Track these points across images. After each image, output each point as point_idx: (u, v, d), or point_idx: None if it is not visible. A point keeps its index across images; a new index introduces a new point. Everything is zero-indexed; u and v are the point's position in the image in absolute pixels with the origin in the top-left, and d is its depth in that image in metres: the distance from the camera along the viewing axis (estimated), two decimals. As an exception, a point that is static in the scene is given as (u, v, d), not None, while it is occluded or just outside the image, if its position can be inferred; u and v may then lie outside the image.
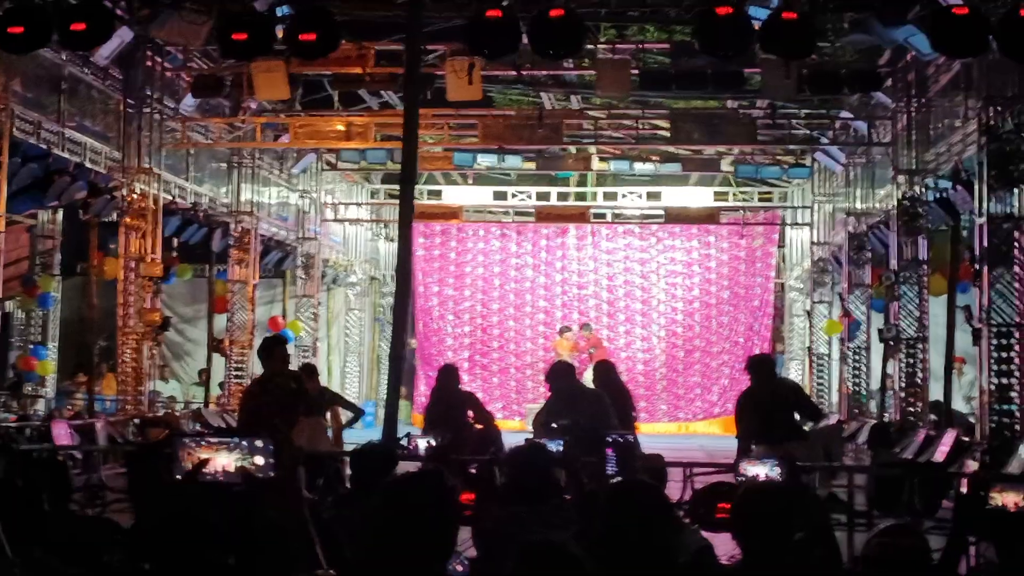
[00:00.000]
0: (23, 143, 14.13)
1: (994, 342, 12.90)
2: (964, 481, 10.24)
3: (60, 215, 18.21)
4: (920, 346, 16.29)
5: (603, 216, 25.60)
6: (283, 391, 11.01)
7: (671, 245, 25.89)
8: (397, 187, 14.46)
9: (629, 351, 25.56)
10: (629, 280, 25.97)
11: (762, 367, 11.21)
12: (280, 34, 12.74)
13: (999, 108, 13.10)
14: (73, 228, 18.31)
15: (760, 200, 25.80)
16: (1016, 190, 12.89)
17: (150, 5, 14.01)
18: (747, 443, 10.44)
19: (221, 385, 20.36)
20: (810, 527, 4.91)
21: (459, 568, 5.12)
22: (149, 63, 16.83)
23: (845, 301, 20.29)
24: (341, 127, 18.97)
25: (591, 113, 20.39)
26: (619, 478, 7.48)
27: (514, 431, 18.94)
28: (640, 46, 17.46)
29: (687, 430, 24.75)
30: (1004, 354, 12.88)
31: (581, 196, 25.03)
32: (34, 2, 11.81)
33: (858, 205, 20.21)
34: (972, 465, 12.15)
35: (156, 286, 17.03)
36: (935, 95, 16.20)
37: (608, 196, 24.88)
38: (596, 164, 22.45)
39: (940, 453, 13.07)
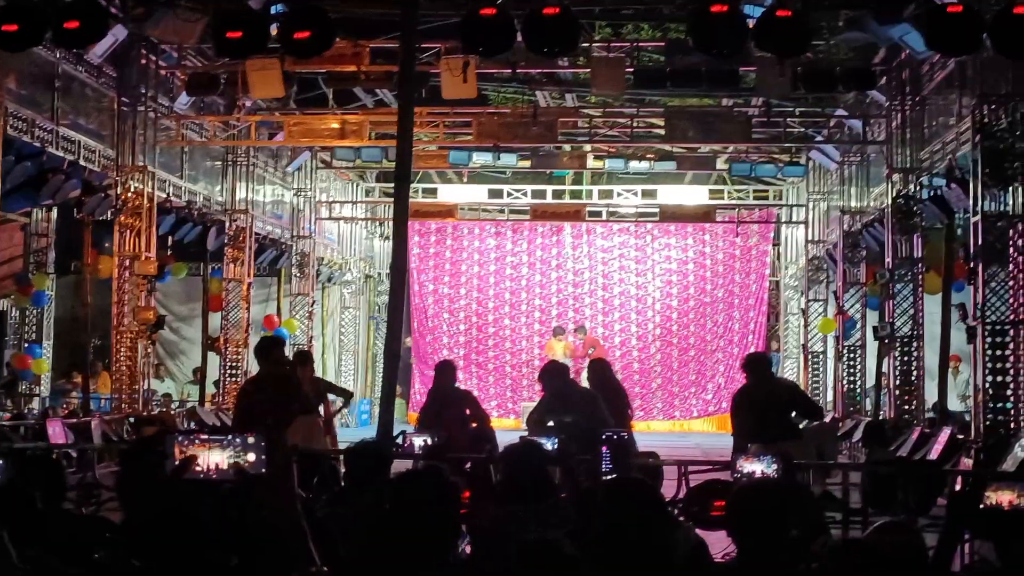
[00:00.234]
0: (17, 141, 14.09)
1: (989, 340, 12.91)
2: (959, 479, 10.26)
3: (54, 213, 18.17)
4: (915, 344, 16.31)
5: (598, 214, 25.61)
6: (276, 390, 11.02)
7: (666, 243, 25.91)
8: (392, 185, 14.49)
9: (624, 349, 25.56)
10: (624, 278, 25.98)
11: (758, 365, 11.21)
12: (274, 32, 12.71)
13: (993, 106, 13.11)
14: (67, 226, 18.28)
15: (755, 198, 25.82)
16: (1010, 188, 12.90)
17: (144, 3, 13.98)
18: (743, 441, 10.44)
19: (216, 383, 20.35)
20: (805, 525, 4.90)
21: (468, 550, 5.11)
22: (143, 61, 16.81)
23: (840, 299, 20.30)
24: (336, 125, 18.95)
25: (586, 111, 20.39)
26: (614, 475, 7.49)
27: (509, 429, 18.93)
28: (635, 44, 17.46)
29: (682, 428, 24.76)
30: (999, 352, 12.89)
31: (576, 194, 25.05)
32: (28, 0, 11.78)
33: (853, 203, 20.22)
34: (967, 463, 12.17)
35: (151, 284, 17.01)
36: (929, 93, 16.21)
37: (603, 194, 24.90)
38: (591, 162, 22.46)
39: (935, 451, 13.08)
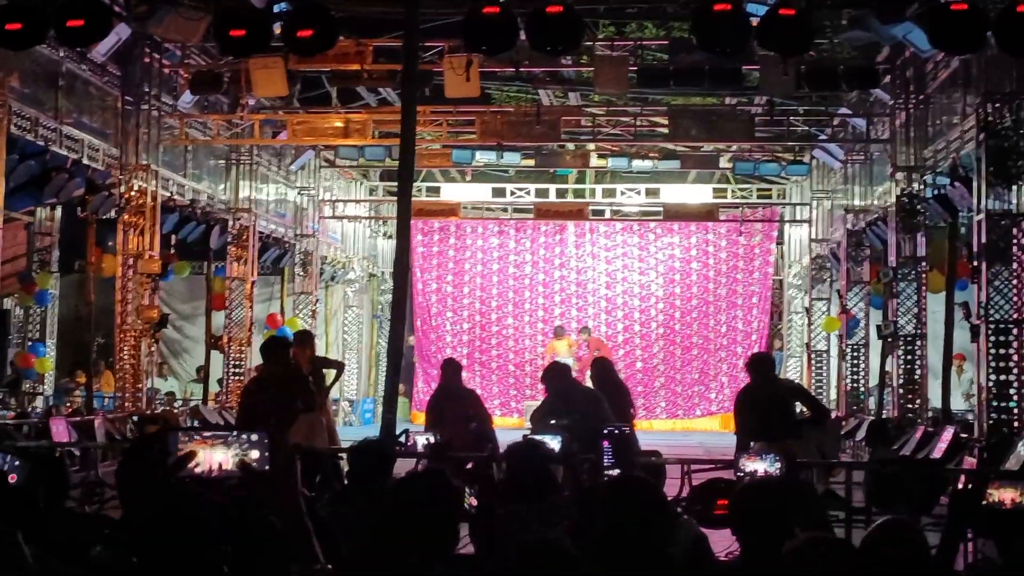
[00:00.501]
0: (20, 140, 14.10)
1: (992, 339, 12.89)
2: (962, 478, 10.25)
3: (58, 212, 18.20)
4: (918, 343, 16.30)
5: (602, 213, 25.60)
6: (279, 390, 11.04)
7: (669, 242, 25.89)
8: (395, 184, 14.46)
9: (627, 348, 25.56)
10: (627, 277, 25.97)
11: (761, 365, 11.20)
12: (278, 31, 12.72)
13: (997, 104, 13.08)
14: (71, 225, 18.29)
15: (759, 197, 25.81)
16: (1014, 186, 12.88)
17: (148, 1, 14.00)
18: (746, 440, 10.44)
19: (220, 382, 20.36)
20: (808, 523, 4.90)
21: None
22: (147, 59, 16.81)
23: (843, 298, 20.30)
24: (339, 124, 18.96)
25: (589, 110, 20.39)
26: (617, 470, 7.49)
27: (512, 428, 18.95)
28: (638, 42, 17.46)
29: (685, 427, 24.75)
30: (1002, 351, 12.88)
31: (580, 193, 25.05)
32: (31, -2, 11.79)
33: (856, 202, 20.21)
34: (970, 462, 12.15)
35: (154, 283, 17.02)
36: (933, 91, 16.19)
37: (607, 193, 24.90)
38: (594, 161, 22.46)
39: (938, 450, 13.07)
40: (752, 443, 10.09)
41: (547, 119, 18.59)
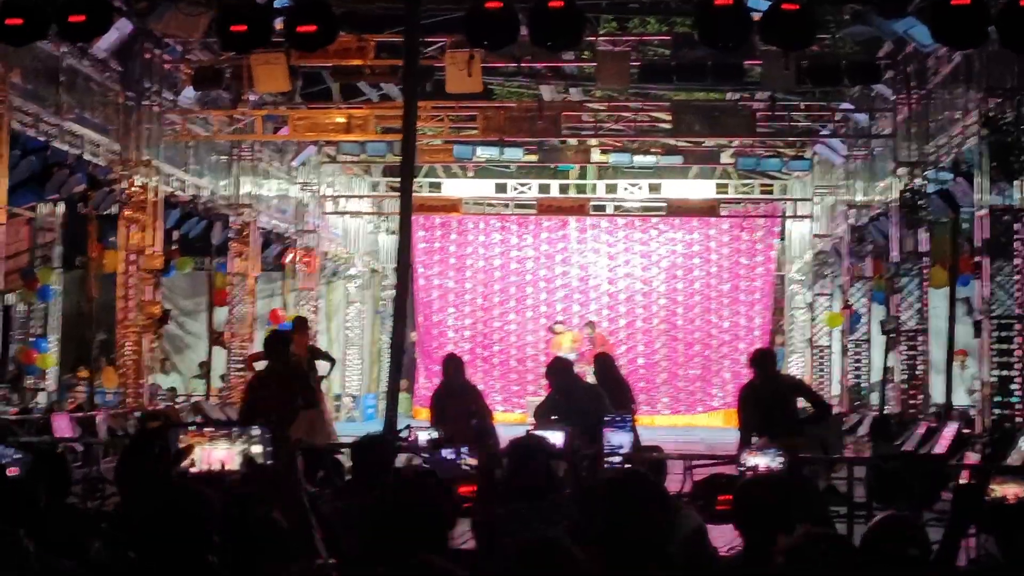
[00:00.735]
0: (22, 135, 14.11)
1: (995, 334, 12.90)
2: (964, 473, 10.25)
3: (60, 208, 18.19)
4: (921, 338, 16.29)
5: (603, 208, 25.56)
6: (280, 387, 11.05)
7: (671, 237, 25.88)
8: (397, 180, 14.46)
9: (630, 343, 25.55)
10: (630, 273, 25.96)
11: (763, 361, 11.20)
12: (279, 26, 12.71)
13: (999, 99, 13.09)
14: (73, 221, 18.29)
15: (761, 192, 25.79)
16: (1016, 181, 12.88)
17: (149, -3, 14.00)
18: (748, 435, 10.44)
19: (222, 378, 20.37)
20: (810, 519, 4.90)
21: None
22: (148, 55, 16.80)
23: (846, 293, 20.29)
24: (341, 119, 18.94)
25: (591, 105, 20.38)
26: (623, 452, 7.48)
27: (514, 424, 18.94)
28: (640, 38, 17.46)
29: (687, 423, 24.73)
30: (1005, 346, 12.87)
31: (582, 188, 25.04)
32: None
33: (858, 197, 20.19)
34: (973, 457, 12.15)
35: (156, 279, 17.03)
36: (935, 87, 16.17)
37: (609, 188, 24.88)
38: (596, 156, 22.43)
39: (941, 445, 13.07)
40: (754, 439, 10.11)
41: (549, 115, 18.57)
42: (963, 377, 18.32)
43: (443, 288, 26.30)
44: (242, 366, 19.73)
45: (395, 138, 18.83)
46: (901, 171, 16.61)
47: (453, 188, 25.10)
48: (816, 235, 23.40)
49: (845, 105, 19.82)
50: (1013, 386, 12.81)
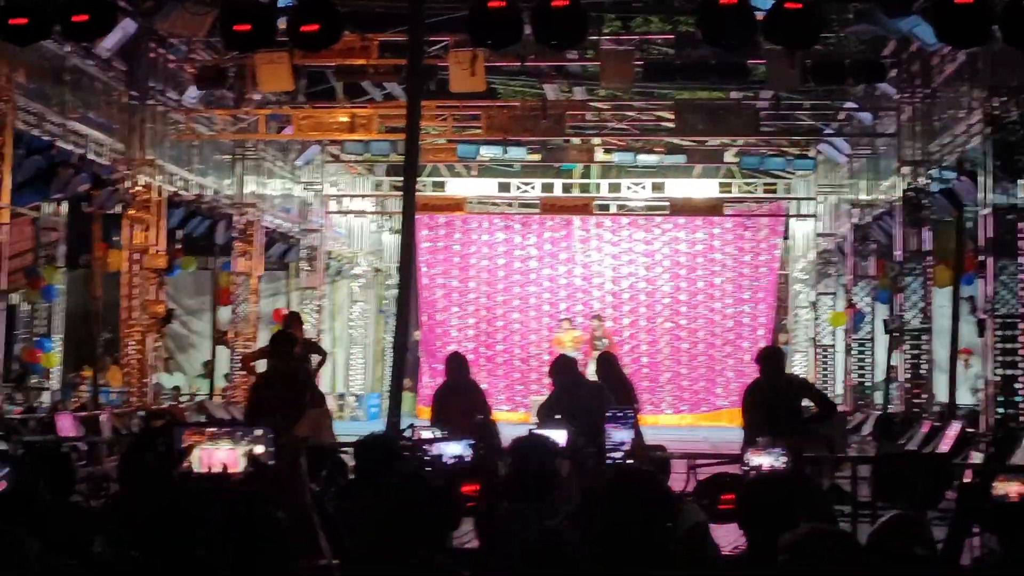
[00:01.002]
0: (26, 135, 14.13)
1: (998, 333, 12.89)
2: (968, 472, 10.24)
3: (64, 207, 18.21)
4: (924, 337, 16.28)
5: (607, 208, 25.57)
6: (285, 386, 11.06)
7: (675, 237, 25.85)
8: (401, 179, 14.46)
9: (633, 343, 25.54)
10: (633, 272, 25.93)
11: (770, 360, 11.19)
12: (283, 25, 12.71)
13: (1004, 98, 13.08)
14: (77, 220, 18.32)
15: (764, 191, 25.78)
16: (1021, 180, 12.87)
17: (153, -3, 14.01)
18: (753, 436, 10.42)
19: (226, 377, 20.39)
20: (814, 517, 4.90)
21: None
22: (152, 55, 16.82)
23: (849, 293, 20.27)
24: (345, 119, 18.93)
25: (595, 104, 20.37)
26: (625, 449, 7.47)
27: (518, 423, 18.94)
28: (644, 37, 17.44)
29: (691, 422, 24.72)
30: (1008, 345, 12.86)
31: (585, 188, 25.04)
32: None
33: (862, 196, 20.18)
34: (977, 456, 12.14)
35: (160, 278, 17.05)
36: (939, 85, 16.16)
37: (612, 188, 24.89)
38: (600, 155, 22.43)
39: (945, 444, 13.06)
40: (759, 438, 10.10)
41: (552, 114, 18.55)
42: (967, 376, 18.32)
43: (446, 287, 26.29)
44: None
45: (399, 137, 18.82)
46: (905, 170, 16.60)
47: (457, 187, 25.11)
48: (820, 234, 23.39)
49: (849, 104, 19.80)
50: (1017, 385, 12.81)
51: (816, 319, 23.32)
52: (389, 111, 19.24)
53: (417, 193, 11.79)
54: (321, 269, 23.31)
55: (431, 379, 24.40)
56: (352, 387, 25.59)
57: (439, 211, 24.87)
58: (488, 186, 25.25)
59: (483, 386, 12.65)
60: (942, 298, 16.47)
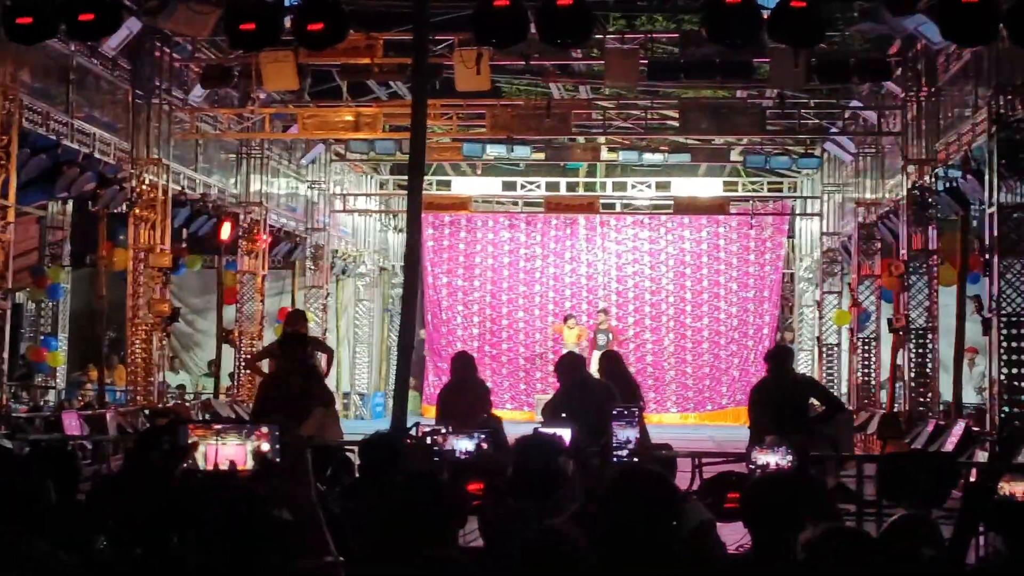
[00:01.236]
0: (32, 134, 14.13)
1: (1004, 332, 12.86)
2: (974, 471, 10.23)
3: (69, 206, 18.21)
4: (930, 336, 16.26)
5: (612, 206, 25.56)
6: (291, 388, 11.06)
7: (680, 235, 25.85)
8: (406, 178, 14.47)
9: (638, 341, 25.55)
10: (638, 271, 25.94)
11: (777, 358, 11.19)
12: (288, 24, 12.72)
13: (1009, 96, 13.04)
14: (82, 219, 18.32)
15: (769, 190, 25.77)
16: (1026, 179, 12.85)
17: (158, -4, 14.00)
18: (759, 435, 10.42)
19: (231, 376, 20.39)
20: (819, 517, 4.90)
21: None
22: (157, 54, 16.83)
23: (854, 291, 20.25)
24: (350, 117, 18.94)
25: (600, 103, 20.36)
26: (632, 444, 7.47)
27: (523, 422, 18.94)
28: (649, 35, 17.41)
29: (695, 421, 24.72)
30: (1014, 344, 12.84)
31: (590, 186, 25.04)
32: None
33: (868, 195, 20.16)
34: (982, 455, 12.13)
35: (165, 277, 17.05)
36: (945, 84, 16.14)
37: (617, 186, 24.90)
38: (605, 154, 22.42)
39: (950, 443, 13.05)
40: (766, 437, 10.09)
41: (557, 112, 18.56)
42: (972, 375, 18.28)
43: (452, 286, 26.30)
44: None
45: (404, 136, 18.86)
46: (910, 168, 16.58)
47: (462, 186, 25.11)
48: (825, 233, 23.37)
49: (854, 103, 19.79)
50: (1022, 384, 12.78)
51: (821, 318, 23.30)
52: (394, 110, 19.25)
53: (422, 192, 11.78)
54: (326, 268, 23.31)
55: (436, 378, 24.42)
56: (357, 386, 25.59)
57: (444, 210, 24.88)
58: (493, 185, 25.26)
59: (488, 385, 12.67)
60: (947, 297, 16.44)
